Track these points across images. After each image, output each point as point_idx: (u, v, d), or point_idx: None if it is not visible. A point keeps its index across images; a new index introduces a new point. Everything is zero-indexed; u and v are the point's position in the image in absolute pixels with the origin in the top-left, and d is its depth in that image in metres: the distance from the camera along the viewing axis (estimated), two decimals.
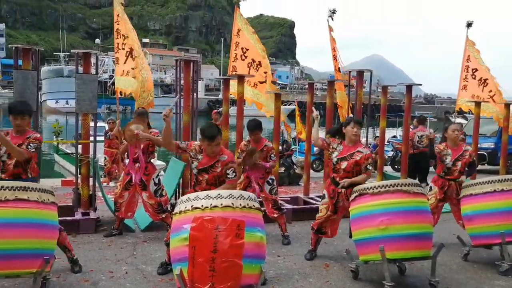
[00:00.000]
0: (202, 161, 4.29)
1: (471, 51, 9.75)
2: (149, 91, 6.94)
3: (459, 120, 16.88)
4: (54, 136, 16.32)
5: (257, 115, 7.67)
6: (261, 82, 8.14)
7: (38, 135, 4.53)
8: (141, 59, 6.81)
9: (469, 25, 9.86)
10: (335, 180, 4.96)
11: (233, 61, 8.51)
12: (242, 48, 8.28)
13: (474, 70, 9.63)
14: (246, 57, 8.26)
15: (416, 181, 4.57)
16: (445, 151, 5.63)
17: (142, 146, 5.71)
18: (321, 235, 5.25)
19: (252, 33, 8.27)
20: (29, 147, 4.37)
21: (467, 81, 9.81)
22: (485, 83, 9.43)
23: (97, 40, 78.84)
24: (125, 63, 7.17)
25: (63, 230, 4.52)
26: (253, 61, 8.17)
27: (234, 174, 4.28)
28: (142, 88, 6.72)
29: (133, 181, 5.76)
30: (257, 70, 8.11)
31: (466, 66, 9.82)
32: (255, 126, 5.84)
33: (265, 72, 8.13)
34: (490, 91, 9.37)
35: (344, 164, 4.88)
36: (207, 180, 4.29)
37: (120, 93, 7.32)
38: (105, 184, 10.09)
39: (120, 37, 7.11)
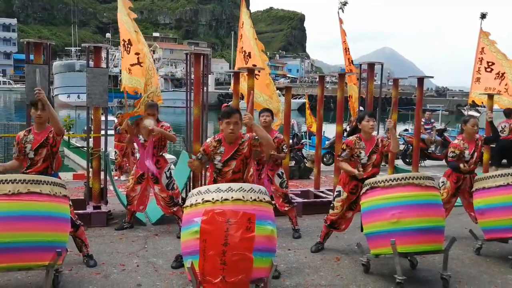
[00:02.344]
0: (225, 152, 4.19)
1: (486, 43, 9.56)
2: (157, 85, 6.88)
3: (472, 113, 16.67)
4: (66, 130, 16.43)
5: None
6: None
7: None
8: (142, 46, 6.65)
9: (483, 16, 9.68)
10: (356, 176, 4.90)
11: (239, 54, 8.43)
12: (243, 41, 8.23)
13: (490, 63, 9.44)
14: (245, 51, 8.20)
15: (428, 174, 4.52)
16: (464, 145, 5.58)
17: (153, 139, 5.74)
18: (334, 229, 5.23)
19: (250, 27, 8.19)
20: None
21: (480, 74, 9.64)
22: (502, 77, 9.27)
23: (108, 35, 79.19)
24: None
25: (82, 225, 4.60)
26: (245, 52, 8.07)
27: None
28: (149, 78, 6.60)
29: (145, 175, 5.81)
30: (247, 63, 8.01)
31: (480, 58, 9.64)
32: (265, 109, 6.08)
33: (254, 65, 7.99)
34: (506, 84, 9.21)
35: (374, 157, 4.88)
36: (233, 169, 4.17)
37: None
38: (116, 177, 10.15)
39: None
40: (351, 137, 5.00)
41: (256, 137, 4.15)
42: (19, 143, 4.52)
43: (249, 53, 7.94)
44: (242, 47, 8.08)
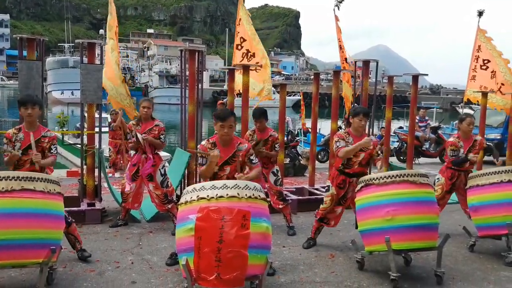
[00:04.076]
0: (221, 155, 4.20)
1: (483, 41, 9.55)
2: (128, 95, 6.99)
3: (466, 110, 16.73)
4: (59, 127, 16.33)
5: (263, 105, 7.64)
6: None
7: (53, 134, 4.63)
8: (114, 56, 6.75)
9: (480, 14, 9.66)
10: (344, 171, 4.95)
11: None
12: (240, 38, 8.23)
13: (486, 61, 9.45)
14: (242, 47, 8.20)
15: (422, 171, 4.54)
16: (460, 143, 5.60)
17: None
18: (324, 224, 5.26)
19: (250, 25, 8.21)
20: (52, 150, 4.54)
21: (476, 72, 9.66)
22: (495, 75, 9.30)
23: (101, 31, 78.66)
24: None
25: (73, 222, 4.57)
26: (248, 51, 8.11)
27: (256, 159, 4.41)
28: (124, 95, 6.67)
29: (140, 172, 5.80)
30: (249, 61, 8.03)
31: (476, 56, 9.64)
32: (260, 113, 5.91)
33: (257, 63, 7.98)
34: (497, 83, 9.24)
35: (361, 155, 4.88)
36: (227, 175, 4.23)
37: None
38: (110, 175, 10.11)
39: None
40: (340, 131, 5.13)
41: (251, 157, 4.30)
42: (11, 140, 4.44)
43: (253, 53, 8.03)
44: (243, 45, 8.10)
